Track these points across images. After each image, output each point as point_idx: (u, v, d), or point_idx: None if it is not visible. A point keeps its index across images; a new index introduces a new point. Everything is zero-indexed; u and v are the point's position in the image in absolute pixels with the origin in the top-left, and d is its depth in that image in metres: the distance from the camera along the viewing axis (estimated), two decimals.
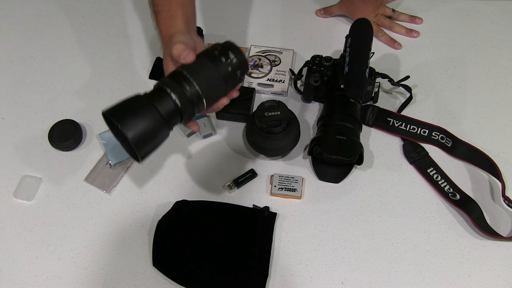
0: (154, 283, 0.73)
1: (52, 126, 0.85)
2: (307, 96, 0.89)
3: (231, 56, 0.64)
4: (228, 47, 0.65)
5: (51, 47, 0.98)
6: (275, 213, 0.77)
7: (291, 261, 0.74)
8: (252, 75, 0.93)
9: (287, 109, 0.77)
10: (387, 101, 0.90)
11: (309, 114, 0.89)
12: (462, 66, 0.95)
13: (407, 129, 0.85)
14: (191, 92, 0.61)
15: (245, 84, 0.92)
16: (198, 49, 0.69)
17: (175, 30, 0.70)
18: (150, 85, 0.92)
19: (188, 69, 0.62)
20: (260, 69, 0.94)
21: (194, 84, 0.61)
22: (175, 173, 0.82)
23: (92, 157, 0.84)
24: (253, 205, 0.78)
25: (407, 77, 0.88)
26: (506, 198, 0.77)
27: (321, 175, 0.81)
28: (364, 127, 0.84)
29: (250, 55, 0.96)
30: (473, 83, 0.92)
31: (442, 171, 0.82)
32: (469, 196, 0.79)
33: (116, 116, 0.58)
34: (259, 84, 0.92)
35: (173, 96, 0.60)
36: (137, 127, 0.58)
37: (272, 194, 0.80)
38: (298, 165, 0.83)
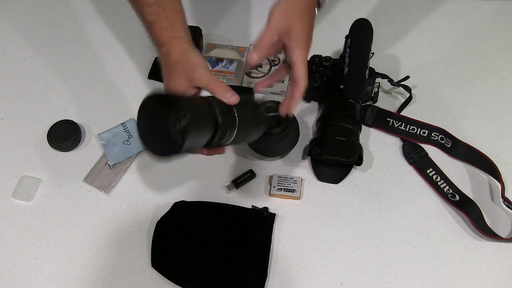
0: (153, 284, 0.73)
1: (51, 126, 0.85)
2: (307, 96, 0.89)
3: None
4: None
5: (50, 47, 0.98)
6: (274, 214, 0.77)
7: (290, 262, 0.74)
8: (251, 74, 0.92)
9: None
10: (387, 101, 0.89)
11: (308, 115, 0.89)
12: (462, 66, 0.94)
13: (407, 130, 0.85)
14: (230, 116, 0.61)
15: (244, 84, 0.91)
16: None
17: (182, 43, 0.65)
18: (149, 84, 0.93)
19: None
20: (259, 68, 0.93)
21: (235, 113, 0.61)
22: (174, 174, 0.82)
23: (91, 158, 0.84)
24: (252, 205, 0.78)
25: (407, 77, 0.87)
26: (505, 199, 0.77)
27: (320, 175, 0.81)
28: (363, 127, 0.83)
29: None
30: (473, 83, 0.92)
31: (442, 171, 0.81)
32: (468, 197, 0.79)
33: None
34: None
35: (218, 111, 0.59)
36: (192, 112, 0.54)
37: (271, 194, 0.80)
38: (297, 166, 0.83)
